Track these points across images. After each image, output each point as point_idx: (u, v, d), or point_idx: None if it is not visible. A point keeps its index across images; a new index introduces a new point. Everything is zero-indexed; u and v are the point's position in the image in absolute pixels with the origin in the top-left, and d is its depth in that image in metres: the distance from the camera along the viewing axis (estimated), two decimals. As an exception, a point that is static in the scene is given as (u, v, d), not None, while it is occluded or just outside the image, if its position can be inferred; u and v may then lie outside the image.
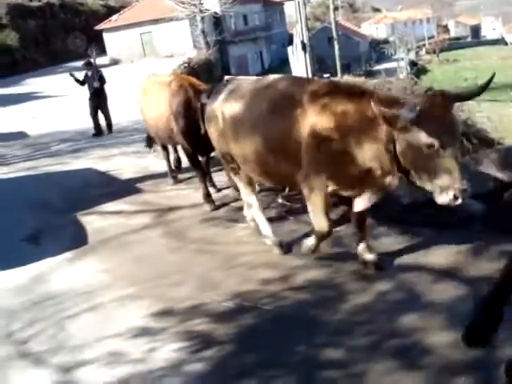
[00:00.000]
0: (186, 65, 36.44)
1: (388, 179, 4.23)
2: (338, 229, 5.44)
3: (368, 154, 4.16)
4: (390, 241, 5.17)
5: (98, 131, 14.01)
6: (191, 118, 6.72)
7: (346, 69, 39.36)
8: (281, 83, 4.87)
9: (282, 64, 45.76)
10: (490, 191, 5.57)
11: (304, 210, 6.24)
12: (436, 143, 3.71)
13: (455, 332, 3.70)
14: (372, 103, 3.89)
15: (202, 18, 41.95)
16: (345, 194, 4.50)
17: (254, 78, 6.20)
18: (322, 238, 4.76)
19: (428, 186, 3.94)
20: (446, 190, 3.79)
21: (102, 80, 14.14)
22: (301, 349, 3.81)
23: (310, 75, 20.01)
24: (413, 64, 57.19)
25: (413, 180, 4.07)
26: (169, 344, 4.06)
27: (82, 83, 14.27)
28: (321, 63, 32.50)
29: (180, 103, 6.93)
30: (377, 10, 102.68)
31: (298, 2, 21.35)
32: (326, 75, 24.99)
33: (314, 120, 4.33)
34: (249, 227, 5.93)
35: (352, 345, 3.77)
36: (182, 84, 7.12)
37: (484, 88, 3.93)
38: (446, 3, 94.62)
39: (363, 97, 4.18)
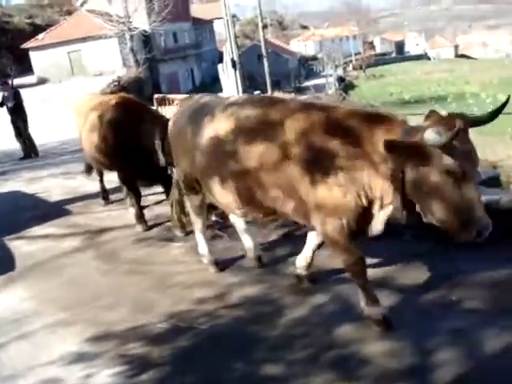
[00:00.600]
0: (115, 83, 36.07)
1: (386, 214, 3.80)
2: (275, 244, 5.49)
3: (369, 183, 3.72)
4: (324, 253, 5.23)
5: (26, 154, 13.53)
6: (125, 138, 6.47)
7: (276, 85, 39.96)
8: (261, 104, 4.32)
9: (213, 81, 46.06)
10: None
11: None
12: (459, 169, 3.31)
13: (390, 341, 3.77)
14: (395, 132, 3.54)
15: (131, 37, 41.66)
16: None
17: (224, 96, 6.07)
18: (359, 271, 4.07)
19: (441, 222, 3.47)
20: (467, 226, 3.38)
21: (17, 99, 13.51)
22: (239, 366, 3.79)
23: (240, 92, 20.19)
24: (341, 80, 58.69)
25: (418, 215, 3.65)
26: (105, 369, 3.95)
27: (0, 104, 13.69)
28: (251, 80, 32.86)
29: (112, 123, 6.63)
30: (305, 28, 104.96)
31: (227, 21, 21.57)
32: (256, 92, 25.21)
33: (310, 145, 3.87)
34: (183, 246, 5.88)
35: (291, 359, 3.78)
36: (115, 103, 6.80)
37: (498, 113, 3.45)
38: (371, 20, 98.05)
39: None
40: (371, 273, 4.59)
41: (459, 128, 3.21)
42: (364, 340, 3.87)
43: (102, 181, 8.19)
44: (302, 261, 4.74)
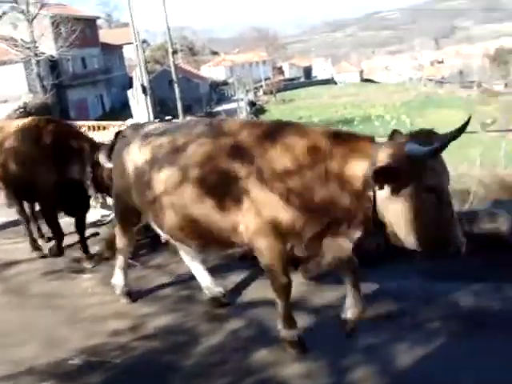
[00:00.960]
0: (21, 110, 34.87)
1: (354, 235, 3.66)
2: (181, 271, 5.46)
3: (338, 203, 3.54)
4: (239, 277, 5.27)
5: None
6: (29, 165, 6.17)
7: (188, 110, 40.12)
8: (207, 128, 4.11)
9: (123, 107, 45.46)
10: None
11: (151, 255, 6.24)
12: (441, 186, 3.25)
13: (306, 363, 3.85)
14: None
15: (38, 62, 40.59)
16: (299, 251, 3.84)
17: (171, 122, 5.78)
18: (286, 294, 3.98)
19: (420, 241, 3.34)
20: (447, 243, 3.32)
21: None
22: (155, 398, 3.73)
23: (151, 118, 20.07)
24: (252, 104, 59.73)
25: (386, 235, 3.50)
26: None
27: None
28: (162, 105, 32.79)
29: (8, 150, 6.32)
30: (215, 53, 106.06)
31: (137, 46, 21.50)
32: (167, 117, 25.12)
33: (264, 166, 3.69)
34: (94, 277, 5.74)
35: (208, 387, 3.76)
36: (19, 129, 6.39)
37: (462, 130, 3.20)
38: (279, 46, 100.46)
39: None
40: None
41: (447, 139, 3.13)
42: (281, 363, 3.92)
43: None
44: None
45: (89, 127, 7.65)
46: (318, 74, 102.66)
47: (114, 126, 7.16)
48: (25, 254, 6.87)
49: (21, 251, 7.06)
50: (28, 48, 39.92)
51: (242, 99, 58.30)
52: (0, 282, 6.13)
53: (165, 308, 4.89)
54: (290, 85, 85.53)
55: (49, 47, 43.00)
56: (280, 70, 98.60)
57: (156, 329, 4.56)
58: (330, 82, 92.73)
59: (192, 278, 5.34)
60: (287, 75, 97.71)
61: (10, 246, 7.36)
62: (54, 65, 44.95)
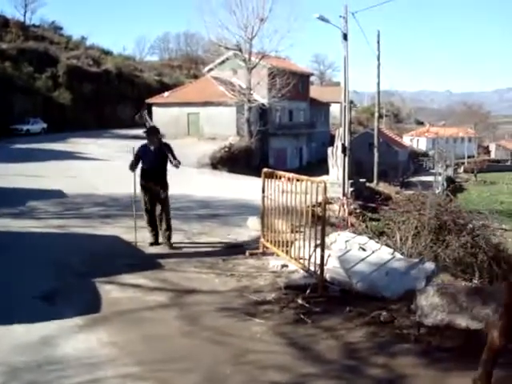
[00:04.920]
0: (226, 149, 37.44)
1: None
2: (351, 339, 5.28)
3: None
4: (407, 361, 4.96)
5: None
6: None
7: (383, 176, 39.79)
8: None
9: (319, 162, 46.48)
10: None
11: (323, 316, 6.13)
12: None
13: None
14: None
15: (250, 108, 43.30)
16: None
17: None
18: None
19: None
20: None
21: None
22: None
23: (346, 177, 20.25)
24: (450, 180, 57.49)
25: None
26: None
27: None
28: (358, 167, 32.91)
29: None
30: (420, 123, 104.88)
31: (345, 107, 21.95)
32: (362, 180, 25.18)
33: None
34: (265, 324, 5.79)
35: None
36: None
37: None
38: (489, 125, 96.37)
39: None
40: None
41: None
42: None
43: None
44: None
45: (288, 178, 7.85)
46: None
47: (313, 183, 7.26)
48: (205, 286, 7.20)
49: (201, 282, 7.42)
50: (243, 94, 42.87)
51: (440, 173, 56.46)
52: (176, 307, 6.46)
53: (327, 373, 4.74)
54: (495, 166, 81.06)
55: (262, 96, 45.80)
56: (486, 150, 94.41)
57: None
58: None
59: (361, 349, 5.15)
60: (493, 156, 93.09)
61: (193, 275, 7.78)
62: (263, 113, 47.69)
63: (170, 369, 4.84)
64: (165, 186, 9.40)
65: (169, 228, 9.42)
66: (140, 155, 9.41)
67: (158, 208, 9.36)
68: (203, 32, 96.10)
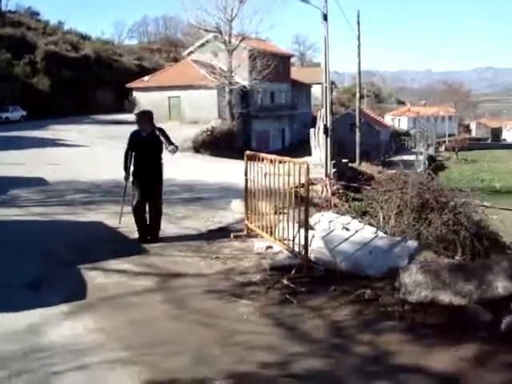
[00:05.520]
0: (208, 132, 37.32)
1: None
2: (337, 318, 5.35)
3: None
4: (391, 338, 5.04)
5: None
6: None
7: (365, 156, 39.97)
8: None
9: (301, 144, 46.51)
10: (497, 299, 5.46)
11: (309, 296, 6.18)
12: None
13: None
14: None
15: (231, 90, 43.12)
16: None
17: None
18: None
19: None
20: None
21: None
22: None
23: (329, 158, 20.28)
24: (431, 159, 57.87)
25: None
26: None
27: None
28: (340, 147, 33.00)
29: None
30: (401, 103, 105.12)
31: (326, 87, 21.93)
32: (344, 160, 25.26)
33: None
34: (252, 305, 5.84)
35: None
36: None
37: None
38: (469, 104, 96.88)
39: None
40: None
41: None
42: None
43: None
44: None
45: (271, 160, 7.85)
46: (508, 137, 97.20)
47: (296, 164, 7.26)
48: (191, 269, 7.23)
49: (187, 265, 7.44)
50: (224, 76, 42.64)
51: (422, 152, 56.84)
52: (162, 291, 6.47)
53: (315, 352, 4.78)
54: (476, 145, 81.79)
55: (243, 78, 45.60)
56: (466, 129, 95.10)
57: (304, 370, 4.46)
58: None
59: (347, 327, 5.21)
60: (473, 134, 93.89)
61: (178, 259, 7.79)
62: (244, 95, 47.56)
63: (158, 352, 4.86)
64: (160, 177, 8.70)
65: (159, 225, 8.80)
66: (132, 144, 8.63)
67: (151, 203, 8.68)
68: (182, 15, 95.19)
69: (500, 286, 5.55)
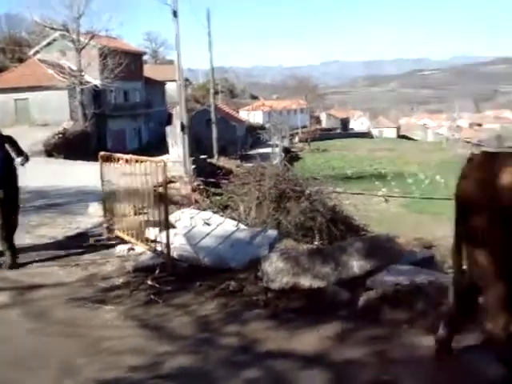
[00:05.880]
0: (60, 135, 35.74)
1: None
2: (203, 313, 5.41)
3: None
4: (257, 326, 5.17)
5: None
6: None
7: (223, 151, 40.54)
8: None
9: (159, 142, 46.16)
10: (353, 278, 5.85)
11: (175, 293, 6.17)
12: None
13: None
14: None
15: (82, 90, 41.71)
16: None
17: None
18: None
19: None
20: None
21: None
22: None
23: (187, 155, 20.32)
24: (286, 151, 59.98)
25: None
26: None
27: None
28: (198, 144, 33.16)
29: None
30: (255, 98, 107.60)
31: (180, 84, 21.93)
32: (203, 156, 25.44)
33: None
34: (116, 309, 5.71)
35: None
36: None
37: None
38: (318, 96, 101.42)
39: None
40: (307, 349, 4.58)
41: None
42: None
43: None
44: None
45: (126, 160, 7.71)
46: (355, 126, 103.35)
47: (153, 163, 7.21)
48: (49, 279, 6.90)
49: (45, 276, 7.09)
50: (74, 76, 41.12)
51: (277, 145, 58.69)
52: (20, 305, 6.09)
53: (183, 349, 4.79)
54: (326, 135, 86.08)
55: (94, 77, 44.30)
56: (317, 120, 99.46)
57: (173, 369, 4.45)
58: (366, 135, 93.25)
59: (213, 321, 5.28)
60: (324, 125, 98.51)
61: (36, 270, 7.38)
62: (96, 94, 46.21)
63: (20, 369, 4.59)
64: (17, 190, 7.68)
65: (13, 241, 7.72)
66: None
67: (13, 218, 7.65)
68: (26, 12, 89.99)
69: (355, 266, 5.94)
